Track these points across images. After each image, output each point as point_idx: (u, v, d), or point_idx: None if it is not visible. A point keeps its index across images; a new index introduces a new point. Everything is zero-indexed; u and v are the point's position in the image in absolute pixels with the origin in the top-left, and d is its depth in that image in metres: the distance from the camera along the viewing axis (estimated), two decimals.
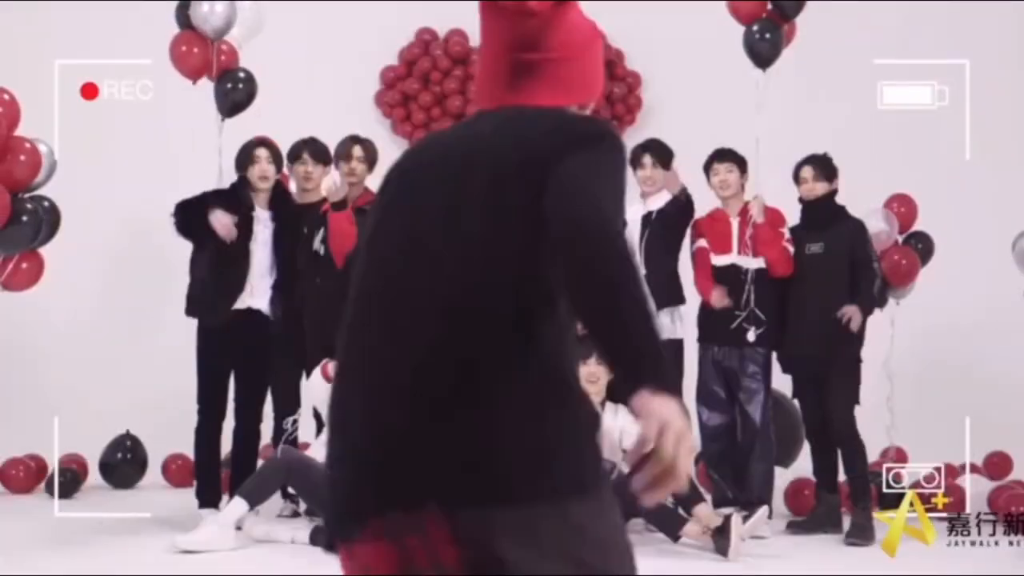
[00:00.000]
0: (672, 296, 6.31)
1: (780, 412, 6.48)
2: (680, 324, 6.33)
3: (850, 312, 5.98)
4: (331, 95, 8.83)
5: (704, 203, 6.45)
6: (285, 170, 6.41)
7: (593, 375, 5.69)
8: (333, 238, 6.12)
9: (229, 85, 6.54)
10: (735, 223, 6.27)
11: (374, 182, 6.64)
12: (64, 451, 7.10)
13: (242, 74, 6.59)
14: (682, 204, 6.33)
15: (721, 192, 6.30)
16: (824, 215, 6.19)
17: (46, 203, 5.62)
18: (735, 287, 6.19)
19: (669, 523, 5.54)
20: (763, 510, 5.60)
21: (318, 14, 8.77)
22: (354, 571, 2.15)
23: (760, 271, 6.20)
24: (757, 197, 6.24)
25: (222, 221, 5.82)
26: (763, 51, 6.34)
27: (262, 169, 6.05)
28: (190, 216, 5.88)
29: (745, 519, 5.58)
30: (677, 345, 6.23)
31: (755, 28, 6.37)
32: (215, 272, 5.96)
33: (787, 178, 6.31)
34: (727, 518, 5.49)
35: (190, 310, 6.06)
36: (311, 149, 6.34)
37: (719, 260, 6.26)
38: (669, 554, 5.40)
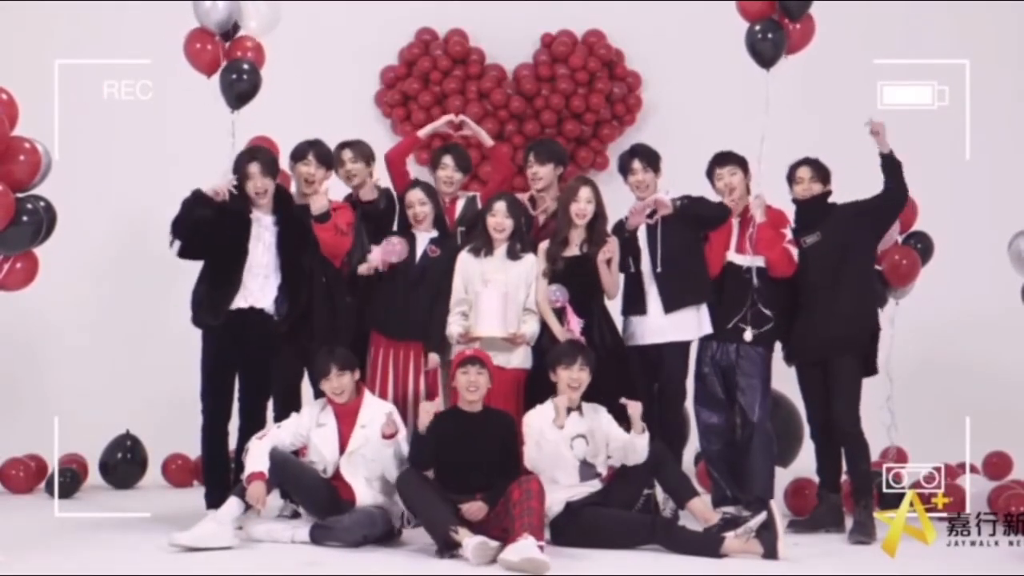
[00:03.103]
0: (698, 292, 6.21)
1: (780, 412, 6.46)
2: (707, 320, 6.22)
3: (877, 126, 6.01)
4: (331, 95, 8.84)
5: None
6: (286, 169, 6.40)
7: (575, 380, 5.63)
8: (325, 249, 6.15)
9: (233, 76, 6.49)
10: (735, 222, 6.25)
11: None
12: (64, 451, 7.11)
13: (246, 65, 6.52)
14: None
15: (727, 197, 6.26)
16: (818, 212, 6.18)
17: (43, 203, 5.61)
18: (737, 286, 6.18)
19: (707, 546, 5.36)
20: (761, 516, 5.55)
21: (318, 14, 8.78)
22: None
23: (763, 269, 6.18)
24: (758, 197, 6.22)
25: (213, 183, 5.91)
26: (765, 51, 6.35)
27: (255, 185, 6.05)
28: (182, 223, 5.94)
29: (743, 521, 5.52)
30: (686, 346, 6.24)
31: (757, 28, 6.37)
32: (211, 271, 5.98)
33: (784, 178, 6.30)
34: (770, 514, 5.38)
35: (194, 317, 6.06)
36: (316, 151, 6.33)
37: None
38: (669, 554, 5.37)
